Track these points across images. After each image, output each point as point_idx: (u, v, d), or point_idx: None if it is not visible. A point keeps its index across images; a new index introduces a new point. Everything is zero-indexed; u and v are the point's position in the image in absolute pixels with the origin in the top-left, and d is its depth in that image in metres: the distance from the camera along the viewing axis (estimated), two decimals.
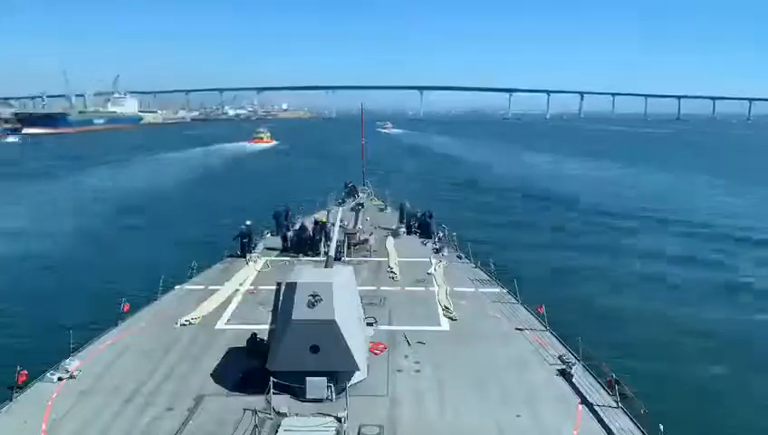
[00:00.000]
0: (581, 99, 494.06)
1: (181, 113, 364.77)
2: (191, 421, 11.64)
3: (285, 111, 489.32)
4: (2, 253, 38.42)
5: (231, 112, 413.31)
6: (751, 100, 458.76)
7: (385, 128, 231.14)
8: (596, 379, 13.37)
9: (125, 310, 17.33)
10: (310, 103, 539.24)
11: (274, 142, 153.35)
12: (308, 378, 12.38)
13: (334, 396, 12.37)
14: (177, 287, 20.12)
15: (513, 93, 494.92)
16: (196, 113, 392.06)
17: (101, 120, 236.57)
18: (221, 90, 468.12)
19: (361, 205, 31.78)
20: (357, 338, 13.02)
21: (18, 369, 12.89)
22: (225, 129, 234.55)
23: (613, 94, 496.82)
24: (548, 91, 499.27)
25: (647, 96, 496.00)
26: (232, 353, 14.84)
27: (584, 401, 12.48)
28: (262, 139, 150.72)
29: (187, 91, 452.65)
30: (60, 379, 13.30)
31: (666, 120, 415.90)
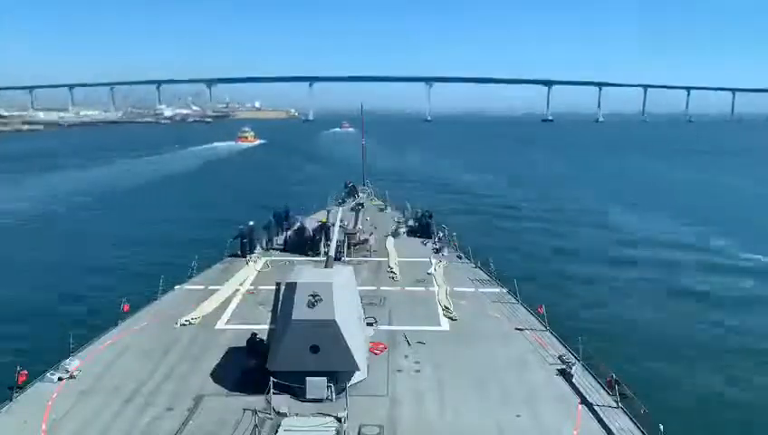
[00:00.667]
0: (645, 93, 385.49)
1: (70, 115, 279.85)
2: (191, 421, 11.63)
3: (259, 109, 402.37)
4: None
5: (167, 112, 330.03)
6: None
7: (343, 126, 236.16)
8: (596, 379, 13.37)
9: (125, 310, 17.32)
10: (291, 102, 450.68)
11: (259, 141, 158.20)
12: (308, 378, 12.37)
13: (334, 396, 12.36)
14: (177, 287, 20.09)
15: (553, 86, 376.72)
16: (120, 114, 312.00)
17: None
18: (158, 82, 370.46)
19: (361, 205, 31.79)
20: (357, 338, 13.01)
21: (18, 369, 12.89)
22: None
23: (687, 88, 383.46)
24: (599, 84, 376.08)
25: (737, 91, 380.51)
26: (232, 353, 14.83)
27: (584, 401, 12.48)
28: (247, 138, 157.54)
29: (112, 85, 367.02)
30: (60, 379, 13.29)
31: None
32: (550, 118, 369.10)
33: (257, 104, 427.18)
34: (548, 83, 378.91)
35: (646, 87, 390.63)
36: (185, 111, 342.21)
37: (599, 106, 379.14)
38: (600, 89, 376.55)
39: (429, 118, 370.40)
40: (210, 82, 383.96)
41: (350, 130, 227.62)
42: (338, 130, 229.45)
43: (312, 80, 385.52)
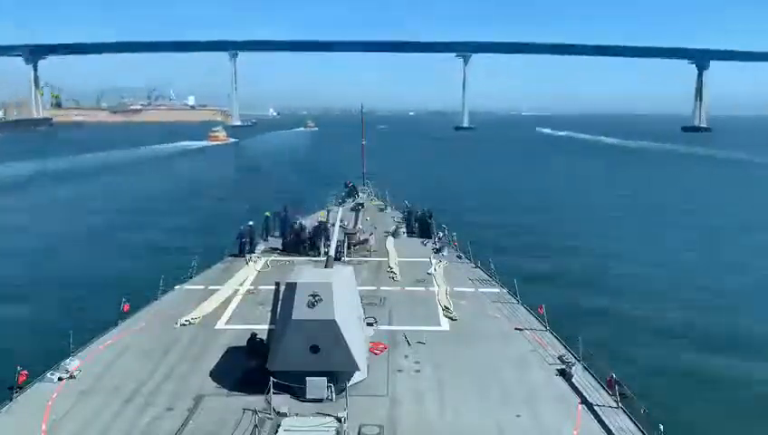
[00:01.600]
0: None
1: None
2: (191, 421, 11.63)
3: (192, 108, 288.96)
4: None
5: None
6: None
7: (308, 126, 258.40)
8: (596, 379, 13.37)
9: (125, 310, 17.32)
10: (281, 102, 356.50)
11: (231, 140, 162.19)
12: (308, 378, 12.37)
13: (334, 396, 12.36)
14: (177, 287, 20.11)
15: (710, 65, 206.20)
16: None
17: None
18: None
19: (361, 205, 31.84)
20: (357, 338, 13.01)
21: (18, 369, 12.88)
22: None
23: None
24: None
25: None
26: (232, 353, 14.83)
27: (584, 401, 12.48)
28: (218, 137, 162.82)
29: None
30: (60, 379, 13.28)
31: None
32: (703, 125, 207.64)
33: (190, 101, 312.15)
34: (700, 57, 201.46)
35: None
36: None
37: None
38: None
39: (467, 124, 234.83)
40: (33, 54, 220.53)
41: (315, 129, 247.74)
42: (301, 129, 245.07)
43: (234, 46, 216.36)
